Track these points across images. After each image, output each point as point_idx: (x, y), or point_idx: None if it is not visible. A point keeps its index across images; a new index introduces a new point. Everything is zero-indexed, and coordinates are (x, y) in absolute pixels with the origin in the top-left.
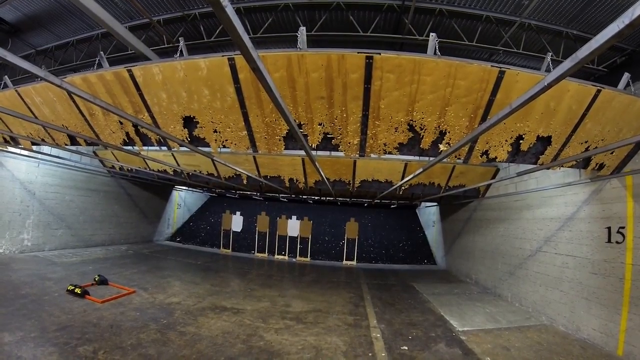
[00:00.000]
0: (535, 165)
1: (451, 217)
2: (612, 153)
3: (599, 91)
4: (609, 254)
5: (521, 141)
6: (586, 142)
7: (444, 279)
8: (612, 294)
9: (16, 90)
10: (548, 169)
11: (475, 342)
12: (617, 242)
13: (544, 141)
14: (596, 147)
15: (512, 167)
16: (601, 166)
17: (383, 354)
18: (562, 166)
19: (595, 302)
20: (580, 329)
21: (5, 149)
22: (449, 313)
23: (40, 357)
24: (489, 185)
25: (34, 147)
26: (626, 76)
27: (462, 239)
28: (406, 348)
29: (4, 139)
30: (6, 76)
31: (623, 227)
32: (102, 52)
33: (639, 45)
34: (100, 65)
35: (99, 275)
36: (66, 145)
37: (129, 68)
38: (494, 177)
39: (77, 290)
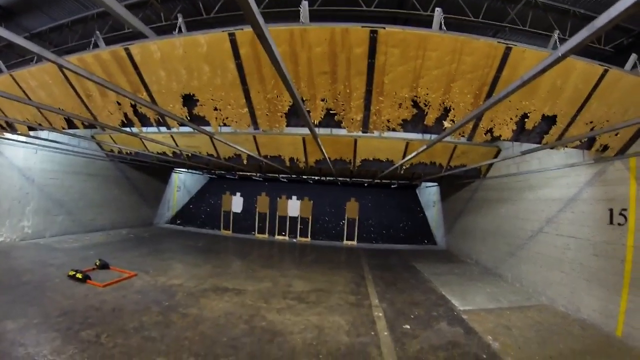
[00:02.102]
0: (539, 145)
1: (452, 197)
2: (616, 135)
3: (606, 71)
4: (611, 235)
5: (526, 120)
6: (591, 122)
7: (444, 258)
8: (612, 276)
9: (11, 75)
10: (552, 148)
11: (476, 321)
12: (619, 224)
13: (549, 120)
14: (601, 128)
15: (515, 148)
16: (605, 148)
17: (385, 333)
18: (566, 146)
19: (596, 283)
20: (580, 310)
21: (2, 136)
22: (450, 293)
23: (43, 343)
24: (490, 166)
25: (32, 133)
26: (633, 57)
27: (462, 219)
28: (408, 327)
29: (0, 125)
30: None
31: (625, 209)
32: (98, 32)
33: None
34: (96, 45)
35: (100, 260)
36: (63, 128)
37: (127, 46)
38: (496, 156)
39: (79, 275)
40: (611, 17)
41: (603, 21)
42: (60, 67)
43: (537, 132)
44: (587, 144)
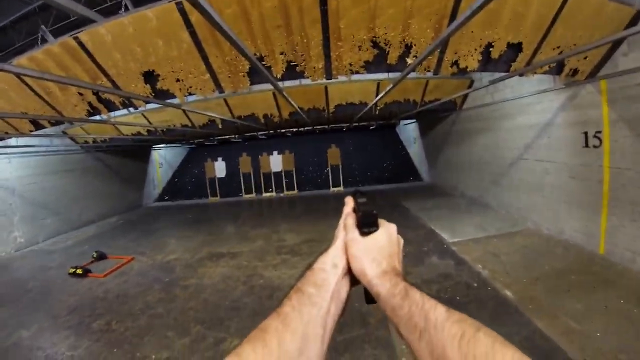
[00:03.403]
0: (507, 73)
1: (431, 132)
2: (585, 58)
3: None
4: (587, 158)
5: (491, 49)
6: (558, 47)
7: (431, 193)
8: (591, 197)
9: None
10: (521, 75)
11: (465, 252)
12: (594, 147)
13: (515, 48)
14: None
15: (485, 78)
16: (575, 72)
17: None
18: (535, 73)
19: (576, 205)
20: (563, 231)
21: None
22: (439, 227)
23: (59, 343)
24: (465, 97)
25: (0, 143)
26: None
27: (444, 152)
28: None
29: None
30: None
31: (599, 132)
32: (43, 27)
33: None
34: (45, 40)
35: (96, 252)
36: (31, 131)
37: (75, 35)
38: (469, 88)
39: (79, 271)
40: None
41: None
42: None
43: (503, 60)
44: (557, 69)
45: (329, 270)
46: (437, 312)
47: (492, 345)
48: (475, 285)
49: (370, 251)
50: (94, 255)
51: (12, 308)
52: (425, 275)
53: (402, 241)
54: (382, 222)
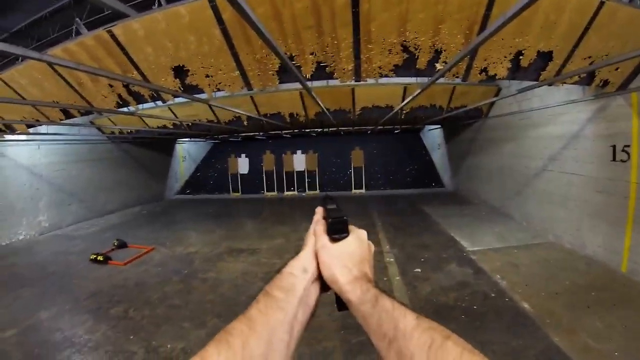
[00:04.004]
0: (536, 82)
1: (456, 138)
2: (617, 69)
3: (602, 3)
4: (614, 172)
5: (521, 57)
6: (589, 57)
7: (452, 200)
8: (616, 212)
9: None
10: (550, 85)
11: (485, 261)
12: (622, 161)
13: (545, 57)
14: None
15: (513, 87)
16: (605, 83)
17: (397, 278)
18: (565, 82)
19: (600, 220)
20: (585, 246)
21: (2, 139)
22: (459, 234)
23: (77, 325)
24: (492, 105)
25: (31, 130)
26: None
27: (468, 160)
28: (419, 270)
29: None
30: None
31: (628, 146)
32: (78, 19)
33: None
34: (79, 33)
35: (117, 240)
36: (61, 120)
37: (109, 29)
38: (496, 96)
39: (100, 258)
40: None
41: None
42: (48, 62)
43: (533, 69)
44: (587, 79)
45: (298, 275)
46: (407, 320)
47: (460, 354)
48: (493, 295)
49: (341, 258)
50: (115, 243)
51: (34, 289)
52: (444, 282)
53: (372, 247)
54: (353, 229)
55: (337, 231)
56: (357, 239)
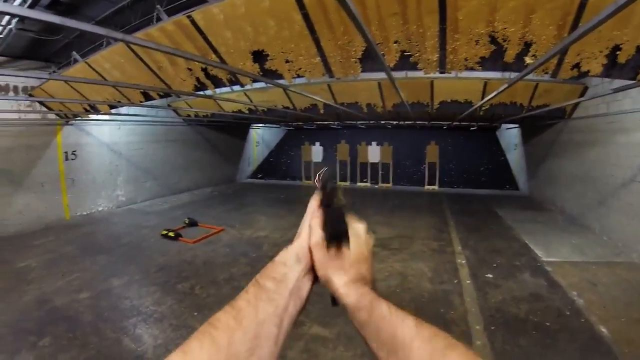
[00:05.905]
0: (634, 82)
1: (534, 139)
2: None
3: None
4: None
5: (618, 52)
6: None
7: (527, 205)
8: None
9: (86, 62)
10: None
11: (560, 274)
12: None
13: None
14: None
15: (604, 85)
16: None
17: (468, 281)
18: None
19: None
20: None
21: (88, 118)
22: (533, 242)
23: (145, 296)
24: (576, 105)
25: (113, 111)
26: None
27: (546, 163)
28: (491, 276)
29: (85, 109)
30: (74, 52)
31: None
32: (158, 6)
33: None
34: (159, 19)
35: (188, 218)
36: (141, 102)
37: (189, 14)
38: (581, 95)
39: (171, 234)
40: None
41: None
42: (129, 44)
43: (630, 66)
44: None
45: (290, 265)
46: (405, 327)
47: None
48: (568, 313)
49: (336, 257)
50: (186, 221)
51: (109, 257)
52: (516, 292)
53: (372, 241)
54: (350, 222)
55: (335, 237)
56: (355, 235)
